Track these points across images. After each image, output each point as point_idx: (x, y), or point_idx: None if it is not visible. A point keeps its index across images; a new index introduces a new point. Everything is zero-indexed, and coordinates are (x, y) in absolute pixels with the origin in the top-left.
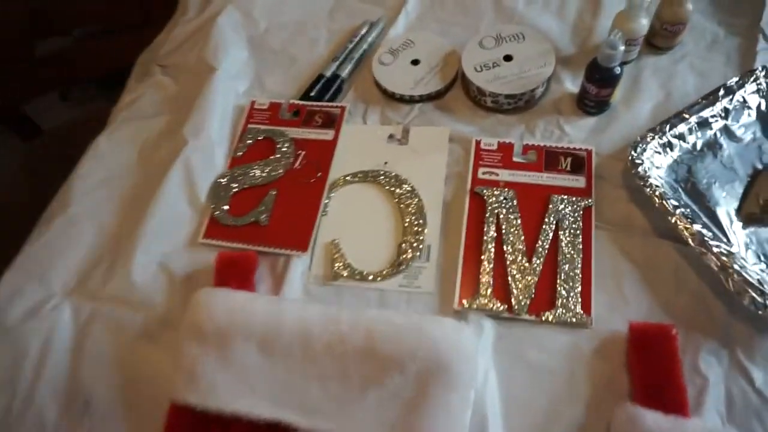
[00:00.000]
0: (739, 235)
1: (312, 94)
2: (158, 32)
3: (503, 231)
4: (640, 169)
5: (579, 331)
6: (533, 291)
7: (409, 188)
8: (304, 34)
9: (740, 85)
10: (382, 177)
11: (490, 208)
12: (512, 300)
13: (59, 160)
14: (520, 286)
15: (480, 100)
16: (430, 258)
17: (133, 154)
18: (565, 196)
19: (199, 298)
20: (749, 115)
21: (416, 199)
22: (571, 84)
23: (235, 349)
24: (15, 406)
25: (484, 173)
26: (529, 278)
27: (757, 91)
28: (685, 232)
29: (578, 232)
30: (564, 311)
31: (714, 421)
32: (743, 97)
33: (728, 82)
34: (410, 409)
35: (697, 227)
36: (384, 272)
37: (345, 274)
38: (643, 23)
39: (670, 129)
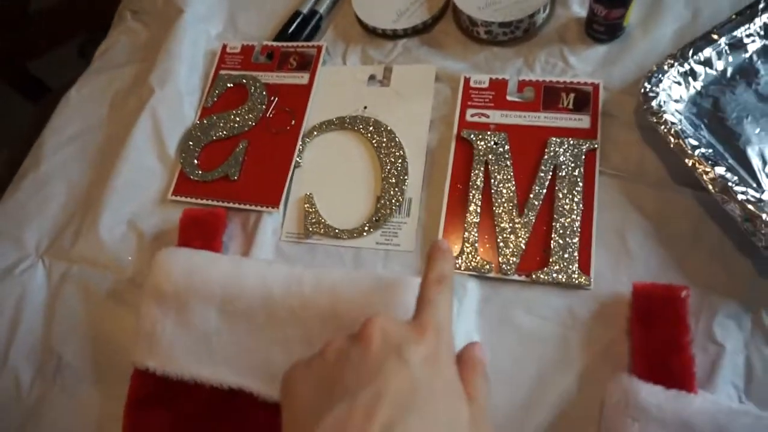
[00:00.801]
0: None
1: (288, 33)
2: None
3: (492, 181)
4: (653, 103)
5: (575, 293)
6: (524, 248)
7: (389, 135)
8: None
9: None
10: (359, 123)
11: (477, 154)
12: (500, 258)
13: None
14: (509, 242)
15: (472, 31)
16: (411, 213)
17: (104, 107)
18: (566, 139)
19: (159, 258)
20: None
21: (397, 148)
22: (579, 7)
23: (194, 312)
24: None
25: (473, 115)
26: (520, 233)
27: None
28: (704, 176)
29: (579, 179)
30: (558, 271)
31: (728, 395)
32: None
33: None
34: None
35: (719, 170)
36: (360, 229)
37: (319, 231)
38: None
39: (694, 54)
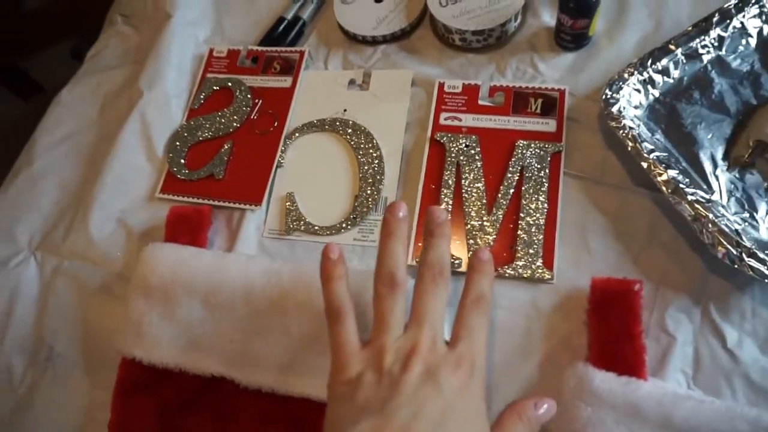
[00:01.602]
0: (722, 181)
1: (272, 38)
2: None
3: (463, 181)
4: (614, 108)
5: (539, 287)
6: (492, 244)
7: (367, 137)
8: None
9: (739, 9)
10: (339, 125)
11: (450, 156)
12: (469, 254)
13: None
14: (478, 239)
15: (447, 38)
16: None
17: (95, 108)
18: (533, 142)
19: (146, 253)
20: (747, 43)
21: (374, 149)
22: (550, 17)
23: (179, 303)
24: None
25: (446, 119)
26: (489, 231)
27: (760, 14)
28: (658, 178)
29: (544, 180)
30: (524, 266)
31: (677, 382)
32: (742, 23)
33: (726, 5)
34: None
35: (672, 173)
36: (339, 226)
37: (299, 228)
38: None
39: (653, 63)
